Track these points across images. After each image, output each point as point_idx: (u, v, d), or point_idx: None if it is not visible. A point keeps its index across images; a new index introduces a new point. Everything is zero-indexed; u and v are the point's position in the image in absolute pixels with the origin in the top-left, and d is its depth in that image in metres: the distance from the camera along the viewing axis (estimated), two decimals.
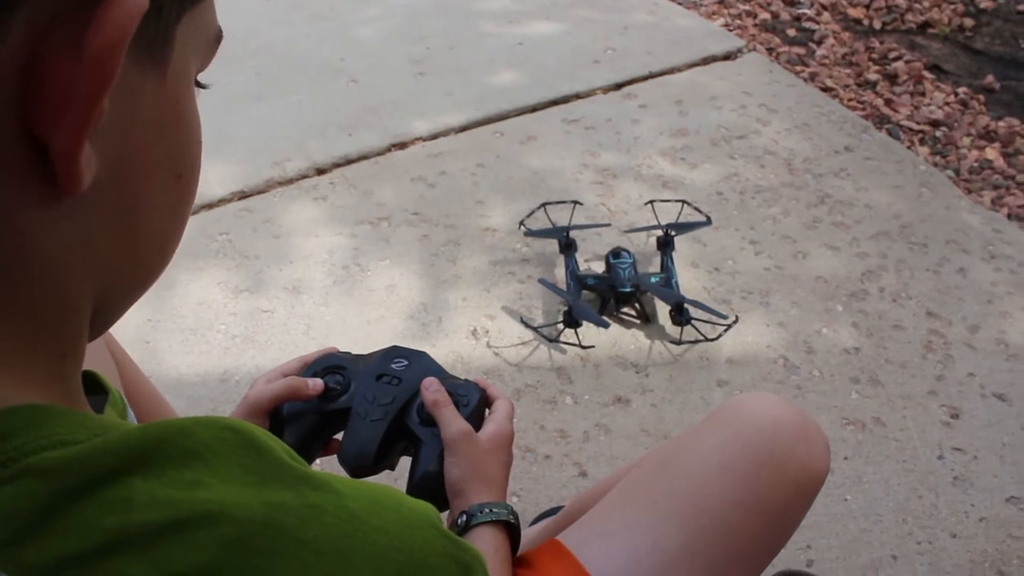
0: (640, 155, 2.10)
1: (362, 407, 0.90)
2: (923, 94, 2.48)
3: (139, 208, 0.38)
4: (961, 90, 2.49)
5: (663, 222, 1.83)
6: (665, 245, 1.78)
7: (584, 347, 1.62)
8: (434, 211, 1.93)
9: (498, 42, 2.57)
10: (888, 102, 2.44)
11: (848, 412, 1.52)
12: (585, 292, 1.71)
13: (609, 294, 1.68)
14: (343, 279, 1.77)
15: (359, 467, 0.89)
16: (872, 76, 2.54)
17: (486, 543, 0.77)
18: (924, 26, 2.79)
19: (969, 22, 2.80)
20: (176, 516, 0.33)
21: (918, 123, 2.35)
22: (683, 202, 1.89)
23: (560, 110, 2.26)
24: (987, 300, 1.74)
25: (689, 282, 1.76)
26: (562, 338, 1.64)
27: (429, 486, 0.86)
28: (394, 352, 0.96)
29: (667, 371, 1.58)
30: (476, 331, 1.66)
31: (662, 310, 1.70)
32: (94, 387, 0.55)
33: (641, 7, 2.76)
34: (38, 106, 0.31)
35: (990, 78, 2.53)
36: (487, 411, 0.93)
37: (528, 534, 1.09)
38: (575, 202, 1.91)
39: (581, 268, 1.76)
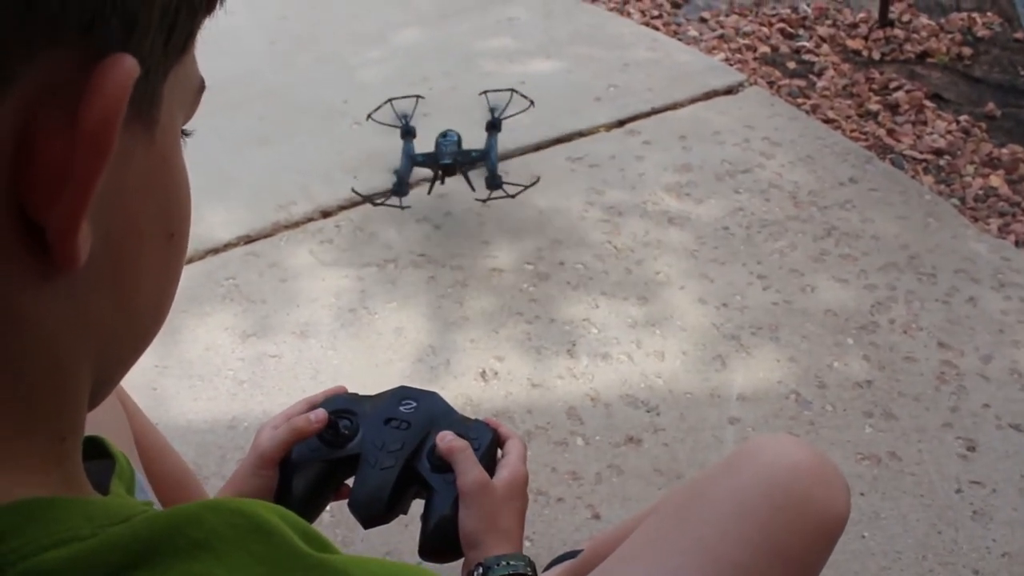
0: (645, 192, 2.10)
1: (372, 454, 0.89)
2: (925, 123, 2.49)
3: (134, 273, 0.37)
4: (963, 118, 2.49)
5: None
6: (492, 127, 2.04)
7: (403, 207, 1.95)
8: (440, 252, 1.93)
9: (499, 81, 2.57)
10: (890, 132, 2.45)
11: (863, 447, 1.51)
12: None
13: (436, 167, 1.93)
14: (350, 322, 1.76)
15: (371, 516, 0.88)
16: (873, 106, 2.55)
17: None
18: (923, 56, 2.80)
19: (967, 51, 2.81)
20: None
21: (921, 152, 2.36)
22: (512, 91, 2.15)
23: (564, 148, 2.27)
24: (998, 329, 1.73)
25: (697, 318, 1.76)
26: (388, 203, 1.95)
27: (444, 534, 0.85)
28: (402, 393, 0.96)
29: (678, 409, 1.57)
30: (485, 373, 1.65)
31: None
32: (98, 451, 0.53)
33: (641, 43, 2.78)
34: (32, 186, 0.29)
35: (991, 105, 2.54)
36: (499, 452, 0.92)
37: None
38: (418, 96, 2.23)
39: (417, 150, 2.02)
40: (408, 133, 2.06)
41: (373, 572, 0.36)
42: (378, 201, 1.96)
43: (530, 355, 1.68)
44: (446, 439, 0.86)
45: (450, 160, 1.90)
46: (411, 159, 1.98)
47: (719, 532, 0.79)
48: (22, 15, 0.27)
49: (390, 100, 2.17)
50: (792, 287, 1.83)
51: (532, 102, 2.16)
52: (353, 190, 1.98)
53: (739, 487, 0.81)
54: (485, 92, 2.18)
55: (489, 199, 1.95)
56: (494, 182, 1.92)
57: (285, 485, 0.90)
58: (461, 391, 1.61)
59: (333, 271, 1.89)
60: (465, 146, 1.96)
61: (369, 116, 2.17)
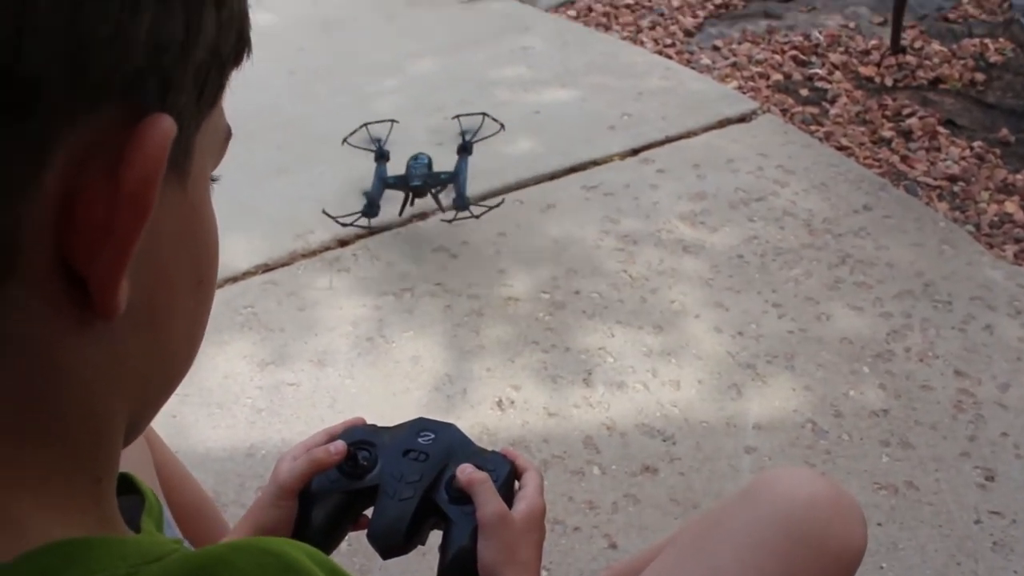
0: (660, 220, 2.12)
1: (390, 485, 0.90)
2: (938, 149, 2.49)
3: (165, 319, 0.38)
4: (976, 144, 2.50)
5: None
6: (463, 150, 2.12)
7: (371, 228, 2.03)
8: (457, 281, 1.95)
9: (514, 111, 2.61)
10: (904, 159, 2.45)
11: (879, 476, 1.50)
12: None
13: (406, 189, 1.99)
14: (368, 351, 1.78)
15: (389, 547, 0.89)
16: (887, 133, 2.56)
17: None
18: (936, 82, 2.81)
19: (980, 76, 2.82)
20: None
21: (935, 179, 2.36)
22: (484, 115, 2.29)
23: (578, 177, 2.29)
24: (1016, 357, 1.73)
25: (712, 347, 1.76)
26: (357, 224, 2.01)
27: (463, 565, 0.86)
28: (420, 424, 0.96)
29: (694, 439, 1.57)
30: (501, 402, 1.66)
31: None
32: (127, 487, 0.54)
33: (654, 72, 2.80)
34: (74, 241, 0.31)
35: (1004, 131, 2.54)
36: (516, 483, 0.93)
37: None
38: (392, 121, 2.33)
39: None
40: (381, 156, 2.16)
41: None
42: (347, 223, 2.01)
43: (546, 384, 1.69)
44: (466, 471, 0.86)
45: (420, 182, 1.98)
46: (383, 181, 2.06)
47: (737, 563, 0.79)
48: (71, 80, 0.29)
49: (365, 125, 2.32)
50: (807, 315, 1.83)
51: (502, 125, 2.29)
52: (324, 212, 2.03)
53: (756, 519, 0.82)
54: (458, 116, 2.32)
55: (455, 219, 2.02)
56: (461, 203, 1.99)
57: (304, 516, 0.91)
58: (478, 420, 1.62)
59: (350, 300, 1.91)
60: (435, 168, 2.04)
61: (344, 140, 2.30)
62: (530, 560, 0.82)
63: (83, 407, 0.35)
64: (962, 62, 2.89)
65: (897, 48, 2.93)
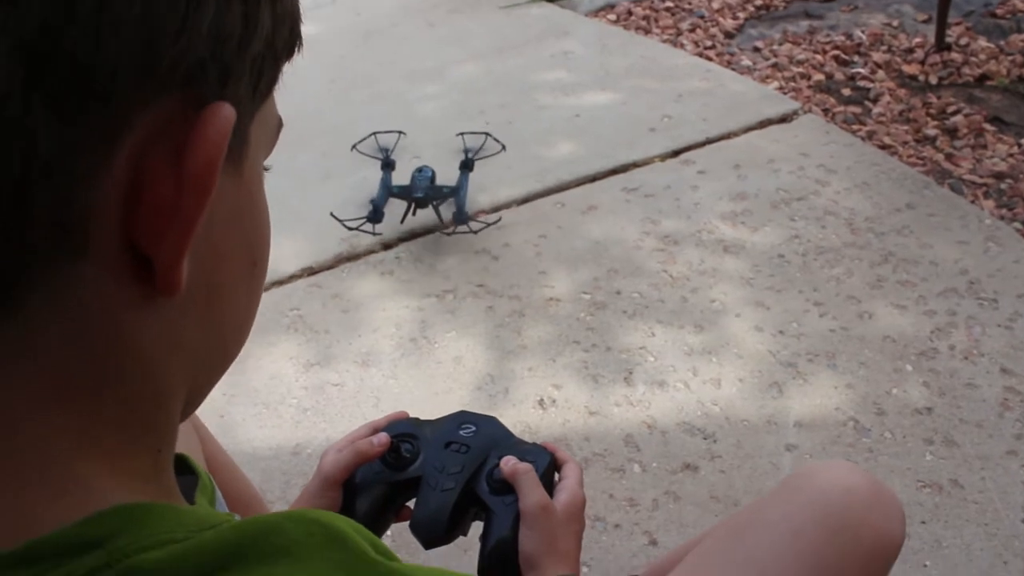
0: (700, 221, 2.12)
1: (432, 477, 0.92)
2: (985, 147, 2.46)
3: (220, 299, 0.40)
4: None
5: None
6: (464, 167, 2.22)
7: (375, 234, 2.08)
8: (498, 283, 1.97)
9: (555, 114, 2.63)
10: (949, 157, 2.42)
11: (923, 474, 1.49)
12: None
13: (409, 199, 2.06)
14: (411, 351, 1.81)
15: (431, 537, 0.91)
16: (931, 131, 2.53)
17: None
18: (982, 79, 2.77)
19: None
20: None
21: (981, 176, 2.33)
22: (486, 135, 2.42)
23: (619, 179, 2.30)
24: None
25: (753, 346, 1.76)
26: (362, 228, 2.05)
27: (503, 555, 0.87)
28: (461, 417, 0.98)
29: (735, 437, 1.58)
30: (543, 400, 1.68)
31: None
32: (182, 468, 0.57)
33: (694, 74, 2.80)
34: (141, 222, 0.33)
35: None
36: (556, 476, 0.94)
37: None
38: (400, 132, 2.49)
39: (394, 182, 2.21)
40: (387, 165, 2.28)
41: None
42: (353, 226, 2.06)
43: (587, 383, 1.70)
44: (510, 462, 0.88)
45: (422, 194, 2.05)
46: (387, 189, 2.15)
47: (773, 554, 0.80)
48: (142, 70, 0.31)
49: (374, 134, 2.48)
50: (849, 314, 1.82)
51: (504, 146, 2.40)
52: (332, 214, 2.09)
53: (794, 511, 0.83)
54: (461, 134, 2.43)
55: (454, 232, 2.09)
56: (460, 217, 2.06)
57: (348, 506, 0.93)
58: (519, 418, 1.63)
59: (394, 302, 1.94)
60: (439, 182, 2.12)
61: (354, 147, 2.45)
62: (570, 550, 0.83)
63: (144, 379, 0.37)
64: (1010, 58, 2.85)
65: (942, 45, 2.90)
